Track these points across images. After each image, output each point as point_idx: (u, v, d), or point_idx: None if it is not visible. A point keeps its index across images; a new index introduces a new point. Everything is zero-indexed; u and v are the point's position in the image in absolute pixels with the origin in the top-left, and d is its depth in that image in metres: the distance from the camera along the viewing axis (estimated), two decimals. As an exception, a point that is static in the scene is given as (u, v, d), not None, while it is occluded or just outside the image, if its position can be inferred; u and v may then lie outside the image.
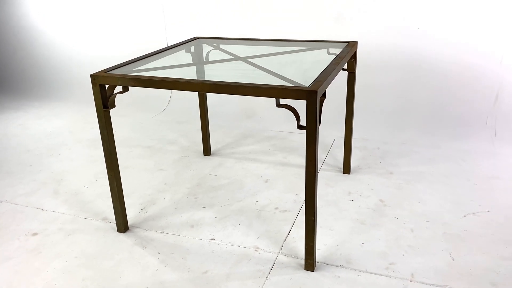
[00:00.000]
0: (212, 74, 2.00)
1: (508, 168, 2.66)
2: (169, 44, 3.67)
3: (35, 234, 2.16)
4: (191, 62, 2.17)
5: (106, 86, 1.89)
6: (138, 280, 1.82)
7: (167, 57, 2.22)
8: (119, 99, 3.99)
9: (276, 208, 2.31)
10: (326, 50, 2.27)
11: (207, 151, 2.96)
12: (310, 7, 3.28)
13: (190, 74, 1.96)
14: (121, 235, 2.13)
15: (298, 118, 1.66)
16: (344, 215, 2.23)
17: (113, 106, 1.91)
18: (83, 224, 2.23)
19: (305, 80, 1.68)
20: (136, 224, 2.22)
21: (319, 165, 2.75)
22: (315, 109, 1.55)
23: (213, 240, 2.06)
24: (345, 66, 2.42)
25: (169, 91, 3.93)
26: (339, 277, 1.80)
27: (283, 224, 2.17)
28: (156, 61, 2.13)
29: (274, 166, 2.78)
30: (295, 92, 1.56)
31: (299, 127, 1.65)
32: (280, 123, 3.45)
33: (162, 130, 3.46)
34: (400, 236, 2.05)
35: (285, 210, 2.29)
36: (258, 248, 2.00)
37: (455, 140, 3.04)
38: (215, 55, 2.30)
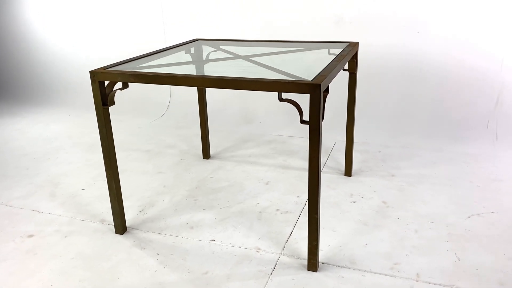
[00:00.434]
0: (213, 71, 1.97)
1: (510, 170, 2.63)
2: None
3: (30, 235, 2.11)
4: (192, 61, 2.15)
5: (106, 83, 1.86)
6: (137, 281, 1.77)
7: (166, 57, 2.19)
8: (117, 104, 3.97)
9: (277, 210, 2.27)
10: (327, 50, 2.26)
11: (206, 154, 2.92)
12: (310, 10, 3.28)
13: (190, 72, 1.93)
14: (119, 236, 2.08)
15: (301, 112, 1.63)
16: (346, 216, 2.20)
17: (113, 103, 1.88)
18: (80, 226, 2.18)
19: (308, 75, 1.65)
20: (135, 225, 2.17)
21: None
22: (319, 103, 1.53)
23: (213, 241, 2.02)
24: (346, 67, 2.40)
25: (167, 96, 3.91)
26: (343, 277, 1.75)
27: (285, 226, 2.13)
28: (155, 60, 2.11)
29: (274, 169, 2.75)
30: (298, 85, 1.54)
31: (302, 122, 1.62)
32: (279, 127, 3.42)
33: (161, 134, 3.43)
34: (404, 237, 2.01)
35: (287, 212, 2.25)
36: (259, 249, 1.95)
37: (457, 143, 3.02)
38: (215, 55, 2.28)
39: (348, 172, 2.60)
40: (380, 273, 1.77)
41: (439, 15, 3.02)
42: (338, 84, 3.34)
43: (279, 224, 2.15)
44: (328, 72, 1.67)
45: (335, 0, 3.20)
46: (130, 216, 2.25)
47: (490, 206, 2.25)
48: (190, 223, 2.17)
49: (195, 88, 3.80)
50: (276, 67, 1.86)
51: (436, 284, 1.70)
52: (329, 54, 2.17)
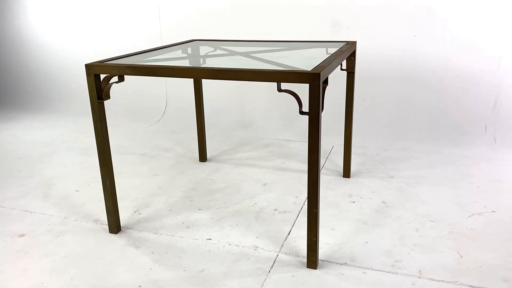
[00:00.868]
0: (212, 64, 1.95)
1: (510, 172, 2.61)
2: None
3: (22, 235, 2.05)
4: (189, 55, 2.12)
5: (102, 77, 1.83)
6: (131, 279, 1.72)
7: (163, 55, 2.17)
8: (113, 109, 3.93)
9: (276, 210, 2.23)
10: (325, 49, 2.25)
11: (203, 157, 2.88)
12: (307, 14, 3.29)
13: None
14: (113, 235, 2.03)
15: (300, 103, 1.61)
16: (346, 216, 2.16)
17: (108, 97, 1.85)
18: (73, 226, 2.13)
19: (307, 66, 1.63)
20: (129, 225, 2.12)
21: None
22: (318, 93, 1.50)
23: (209, 240, 1.97)
24: (344, 67, 2.39)
25: (164, 101, 3.88)
26: (343, 274, 1.71)
27: (283, 225, 2.09)
28: (152, 57, 2.09)
29: (272, 171, 2.71)
30: (297, 75, 1.52)
31: (301, 113, 1.59)
32: (277, 131, 3.40)
33: (157, 139, 3.39)
34: (404, 235, 1.97)
35: (285, 211, 2.21)
36: (257, 247, 1.91)
37: (455, 146, 3.00)
38: (214, 54, 2.26)
39: (346, 173, 2.57)
40: (381, 270, 1.72)
41: (437, 19, 3.03)
42: (335, 88, 3.32)
43: (277, 223, 2.10)
44: (327, 63, 1.66)
45: (332, 5, 3.21)
46: (124, 216, 2.20)
47: (490, 205, 2.22)
48: (186, 223, 2.12)
49: (192, 93, 3.77)
50: (275, 61, 1.84)
51: (439, 281, 1.65)
52: (327, 53, 2.16)
